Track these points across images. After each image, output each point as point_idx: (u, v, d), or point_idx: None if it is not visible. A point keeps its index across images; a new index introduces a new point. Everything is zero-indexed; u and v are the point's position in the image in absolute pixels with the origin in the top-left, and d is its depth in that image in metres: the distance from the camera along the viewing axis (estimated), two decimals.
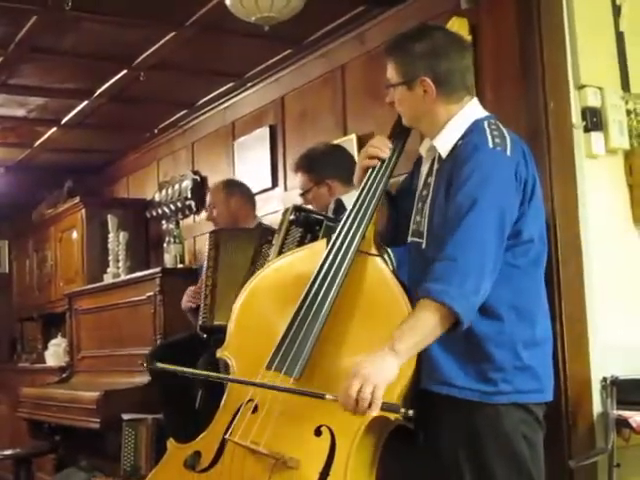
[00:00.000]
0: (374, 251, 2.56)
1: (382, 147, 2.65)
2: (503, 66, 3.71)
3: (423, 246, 2.53)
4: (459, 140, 2.51)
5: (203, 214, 6.46)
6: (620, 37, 3.68)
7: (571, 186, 3.43)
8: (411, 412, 2.23)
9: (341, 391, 2.25)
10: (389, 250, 2.67)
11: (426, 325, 2.29)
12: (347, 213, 2.60)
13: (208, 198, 4.92)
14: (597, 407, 3.36)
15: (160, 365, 2.58)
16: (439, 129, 2.55)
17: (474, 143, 2.45)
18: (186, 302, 4.50)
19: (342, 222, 2.59)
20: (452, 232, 2.35)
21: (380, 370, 2.24)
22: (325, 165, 3.94)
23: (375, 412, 2.23)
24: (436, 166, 2.57)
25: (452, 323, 2.30)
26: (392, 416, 2.29)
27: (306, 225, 3.35)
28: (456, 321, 2.29)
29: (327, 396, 2.29)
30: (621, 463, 3.24)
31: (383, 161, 2.64)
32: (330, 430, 2.36)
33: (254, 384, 2.45)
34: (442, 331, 2.30)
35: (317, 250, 2.64)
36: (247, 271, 3.99)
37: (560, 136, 3.44)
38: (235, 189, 4.81)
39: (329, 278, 2.48)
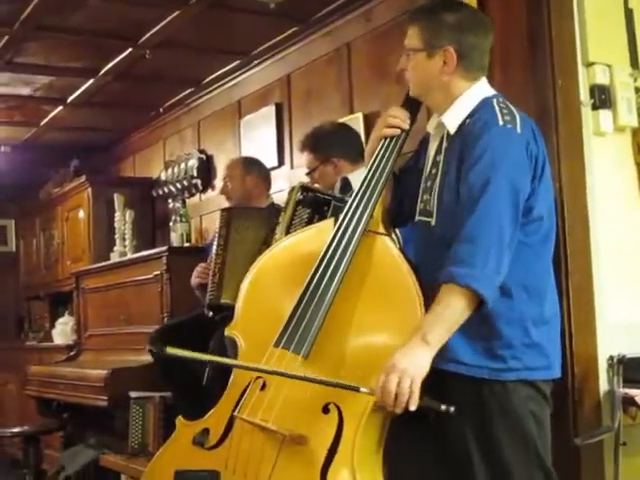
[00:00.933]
0: (382, 230, 2.56)
1: (402, 117, 2.63)
2: (511, 43, 3.69)
3: (432, 224, 2.53)
4: (467, 118, 2.50)
5: (210, 192, 6.47)
6: (629, 14, 3.66)
7: (579, 164, 3.42)
8: (452, 408, 2.25)
9: (378, 386, 2.25)
10: (395, 229, 2.67)
11: (454, 311, 2.30)
12: (355, 192, 2.59)
13: (224, 171, 4.91)
14: (603, 385, 3.36)
15: (171, 351, 2.57)
16: (448, 105, 2.54)
17: (484, 120, 2.44)
18: (195, 278, 4.50)
19: (350, 201, 2.58)
20: (468, 213, 2.35)
21: (414, 363, 2.25)
22: (331, 143, 3.93)
23: (414, 407, 2.23)
24: (445, 144, 2.56)
25: (478, 304, 2.31)
26: (428, 407, 2.30)
27: (314, 205, 3.34)
28: (480, 302, 2.30)
29: (362, 389, 2.28)
30: (627, 441, 3.25)
31: (391, 139, 2.63)
32: (338, 408, 2.37)
33: (276, 373, 2.43)
34: (469, 313, 2.31)
35: (325, 229, 2.64)
36: (258, 250, 3.99)
37: (568, 114, 3.42)
38: (253, 167, 4.82)
39: (337, 257, 2.48)
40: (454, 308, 2.30)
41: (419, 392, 2.23)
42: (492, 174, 2.35)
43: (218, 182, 6.26)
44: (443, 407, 2.25)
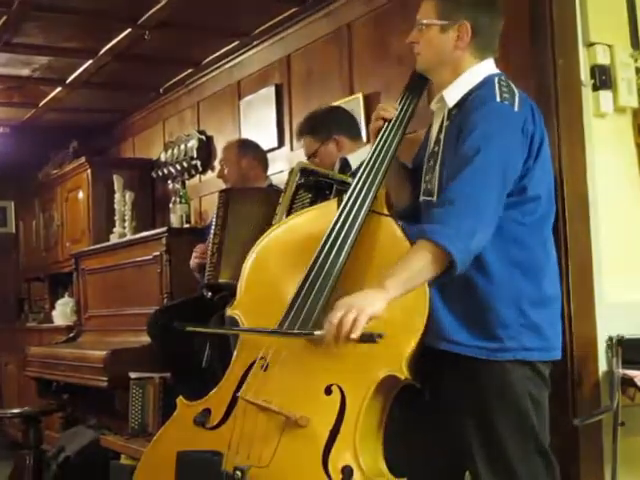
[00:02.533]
0: (386, 211, 2.56)
1: (389, 109, 2.64)
2: (512, 24, 3.65)
3: (434, 202, 2.53)
4: (468, 94, 2.51)
5: (210, 173, 6.46)
6: None
7: (579, 144, 3.42)
8: (381, 334, 2.24)
9: (327, 320, 2.26)
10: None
11: (417, 263, 2.29)
12: (359, 173, 2.59)
13: (220, 155, 4.91)
14: (602, 366, 3.37)
15: (190, 327, 2.57)
16: (452, 80, 2.55)
17: (482, 96, 2.46)
18: (194, 259, 4.50)
19: (354, 182, 2.58)
20: (454, 178, 2.36)
21: (364, 300, 2.24)
22: (328, 122, 3.93)
23: (355, 336, 2.21)
24: (446, 122, 2.56)
25: (446, 266, 2.29)
26: (402, 376, 2.30)
27: (316, 189, 3.33)
28: (450, 265, 2.28)
29: (316, 332, 2.31)
30: (626, 422, 3.26)
31: (395, 120, 2.63)
32: (340, 389, 2.38)
33: (283, 333, 2.46)
34: (435, 271, 2.29)
35: (328, 210, 2.64)
36: (257, 230, 4.00)
37: (568, 94, 3.42)
38: (248, 150, 4.81)
39: (341, 238, 2.48)
40: (418, 260, 2.29)
41: (362, 326, 2.21)
42: (483, 145, 2.35)
43: (217, 164, 6.26)
44: (375, 333, 2.23)
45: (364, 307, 2.22)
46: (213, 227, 4.29)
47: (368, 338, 2.24)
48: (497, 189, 2.36)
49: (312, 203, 3.27)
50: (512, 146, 2.40)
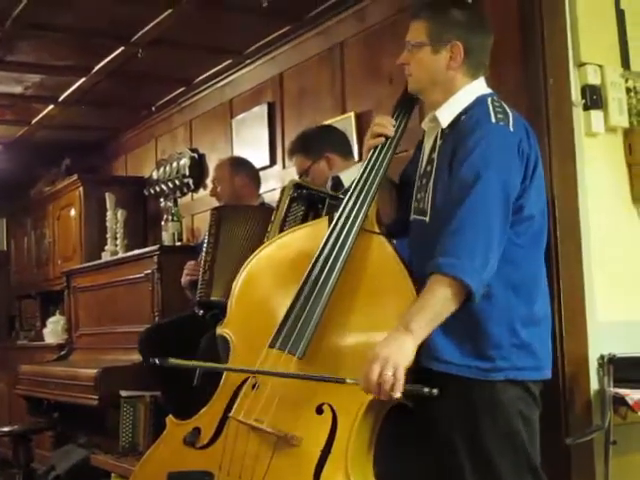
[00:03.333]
0: (377, 229, 2.57)
1: (387, 125, 2.64)
2: (503, 44, 3.68)
3: (427, 222, 2.53)
4: (461, 114, 2.51)
5: (202, 191, 6.46)
6: (621, 15, 3.66)
7: (570, 164, 3.42)
8: (435, 391, 2.21)
9: (362, 375, 2.24)
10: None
11: (439, 301, 2.29)
12: (350, 190, 2.60)
13: (212, 173, 4.90)
14: (594, 385, 3.37)
15: (173, 361, 2.56)
16: (444, 100, 2.55)
17: (477, 118, 2.45)
18: (185, 276, 4.49)
19: (345, 199, 2.58)
20: (458, 207, 2.34)
21: (398, 351, 2.23)
22: (320, 141, 3.95)
23: (399, 394, 2.22)
24: (439, 142, 2.56)
25: (465, 297, 2.29)
26: (412, 393, 2.29)
27: (308, 202, 3.34)
28: (468, 296, 2.29)
29: (348, 380, 2.28)
30: (618, 440, 3.25)
31: (386, 139, 2.63)
32: (332, 408, 2.37)
33: (270, 373, 2.44)
34: (455, 306, 2.30)
35: (319, 228, 2.64)
36: (249, 248, 4.00)
37: (559, 114, 3.43)
38: (241, 167, 4.81)
39: (333, 256, 2.48)
40: (439, 298, 2.28)
41: (403, 380, 2.21)
42: (483, 169, 2.35)
43: (209, 182, 6.25)
44: (426, 389, 2.22)
45: (399, 361, 2.21)
46: (205, 245, 4.29)
47: (415, 392, 2.24)
48: (501, 213, 2.36)
49: (304, 216, 3.28)
50: (510, 167, 2.40)
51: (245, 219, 4.26)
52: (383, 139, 2.63)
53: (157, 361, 2.55)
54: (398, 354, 2.22)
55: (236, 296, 2.70)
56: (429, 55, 2.55)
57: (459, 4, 2.60)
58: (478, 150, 2.37)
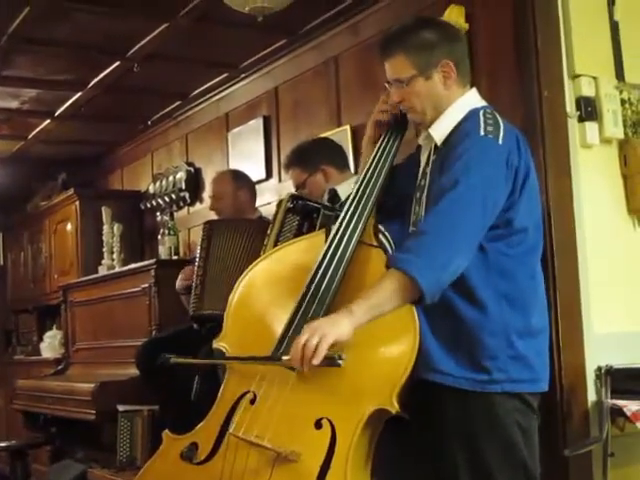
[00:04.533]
0: (375, 242, 2.57)
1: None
2: (498, 56, 3.71)
3: None
4: (454, 129, 2.52)
5: (198, 205, 6.46)
6: (615, 26, 3.68)
7: (565, 176, 3.43)
8: (343, 356, 2.24)
9: (293, 344, 2.27)
10: (386, 233, 2.67)
11: (386, 291, 2.30)
12: (347, 204, 2.60)
13: (213, 188, 4.84)
14: (592, 396, 3.37)
15: (174, 359, 2.57)
16: (438, 116, 2.55)
17: (466, 130, 2.46)
18: (180, 280, 4.49)
19: (342, 213, 2.59)
20: (430, 209, 2.38)
21: (330, 325, 2.26)
22: (315, 153, 3.95)
23: (316, 362, 2.23)
24: (433, 156, 2.58)
25: (417, 296, 2.30)
26: (393, 409, 2.29)
27: (303, 213, 3.34)
28: (420, 295, 2.29)
29: (284, 357, 2.33)
30: (615, 452, 3.25)
31: (383, 152, 2.65)
32: (330, 423, 2.36)
33: (254, 359, 2.47)
34: (403, 300, 2.31)
35: (316, 241, 2.64)
36: (242, 261, 4.00)
37: (554, 126, 3.44)
38: (243, 181, 4.80)
39: (331, 269, 2.48)
40: (386, 289, 2.30)
41: (325, 351, 2.23)
42: (462, 177, 2.36)
43: (207, 195, 6.25)
44: (336, 355, 2.26)
45: (327, 331, 2.23)
46: (197, 259, 4.29)
47: (330, 362, 2.26)
48: (474, 220, 2.36)
49: (300, 226, 3.29)
50: (493, 178, 2.40)
51: (237, 232, 4.26)
52: (387, 115, 2.66)
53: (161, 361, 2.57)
54: (328, 326, 2.25)
55: (232, 309, 2.69)
56: (424, 84, 2.54)
57: (424, 24, 2.59)
58: (461, 160, 2.39)
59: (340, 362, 2.25)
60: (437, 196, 2.39)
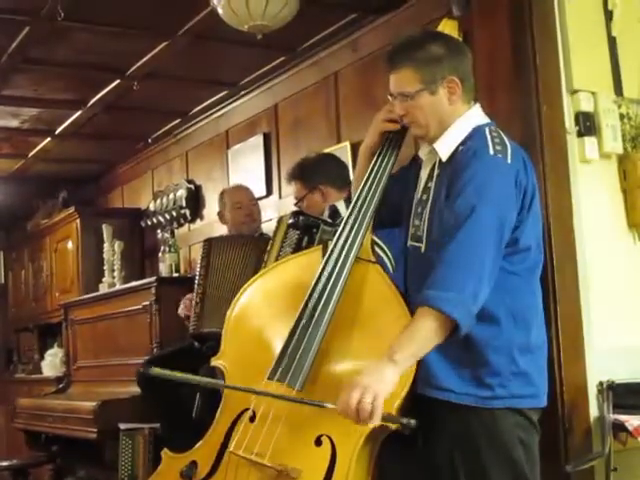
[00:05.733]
0: (372, 258, 2.56)
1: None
2: (496, 72, 3.71)
3: (422, 250, 2.54)
4: (460, 145, 2.51)
5: (199, 222, 6.47)
6: (612, 42, 3.69)
7: (565, 191, 3.43)
8: (413, 422, 2.22)
9: (341, 401, 2.23)
10: (383, 245, 2.66)
11: (424, 333, 2.29)
12: (344, 220, 2.60)
13: (249, 199, 4.80)
14: (594, 411, 3.36)
15: (159, 372, 2.56)
16: (442, 132, 2.54)
17: (474, 149, 2.45)
18: (181, 310, 4.49)
19: (340, 229, 2.59)
20: (451, 238, 2.35)
21: (379, 380, 2.22)
22: (317, 172, 3.96)
23: (376, 422, 2.21)
24: (436, 171, 2.57)
25: (452, 330, 2.29)
26: (394, 426, 2.28)
27: (304, 228, 3.36)
28: (454, 328, 2.28)
29: (327, 405, 2.28)
30: (618, 467, 3.24)
31: (379, 167, 2.64)
32: (330, 439, 2.36)
33: (260, 392, 2.43)
34: (441, 339, 2.30)
35: (313, 257, 2.64)
36: (242, 278, 4.00)
37: (553, 141, 3.44)
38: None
39: (329, 287, 2.48)
40: (425, 330, 2.29)
41: (381, 408, 2.21)
42: (477, 202, 2.34)
43: (208, 211, 6.27)
44: (404, 420, 2.23)
45: (379, 390, 2.21)
46: (197, 277, 4.29)
47: (391, 420, 2.25)
48: (494, 246, 2.36)
49: (299, 240, 3.30)
50: (507, 200, 2.40)
51: (236, 249, 4.27)
52: (398, 125, 2.64)
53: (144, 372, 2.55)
54: (379, 383, 2.22)
55: (230, 327, 2.69)
56: (429, 98, 2.52)
57: (433, 38, 2.58)
58: (474, 183, 2.37)
59: (405, 422, 2.23)
60: (454, 222, 2.36)
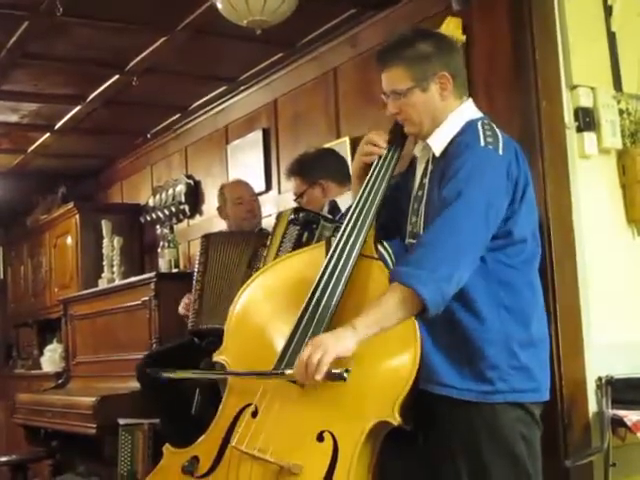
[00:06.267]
0: (375, 254, 2.56)
1: (379, 142, 2.65)
2: (495, 67, 3.72)
3: None
4: (452, 140, 2.52)
5: (198, 218, 6.47)
6: (612, 37, 3.69)
7: (564, 187, 3.44)
8: (345, 375, 2.25)
9: (297, 360, 2.28)
10: (386, 245, 2.67)
11: (389, 305, 2.31)
12: (348, 217, 2.60)
13: (251, 194, 4.78)
14: (592, 406, 3.37)
15: (171, 374, 2.57)
16: (435, 127, 2.56)
17: (466, 142, 2.46)
18: (181, 308, 4.48)
19: (343, 225, 2.59)
20: (433, 220, 2.38)
21: (334, 341, 2.27)
22: (316, 167, 3.96)
23: (319, 377, 2.24)
24: (430, 167, 2.58)
25: (420, 309, 2.31)
26: (394, 421, 2.29)
27: (304, 224, 3.36)
28: (423, 307, 2.30)
29: (287, 371, 2.33)
30: (617, 462, 3.25)
31: (382, 165, 2.64)
32: (332, 435, 2.36)
33: (256, 374, 2.46)
34: (406, 313, 2.32)
35: (316, 253, 2.65)
36: (240, 274, 4.00)
37: (553, 136, 3.44)
38: None
39: (332, 283, 2.48)
40: (389, 302, 2.31)
41: (327, 365, 2.23)
42: (464, 188, 2.36)
43: (208, 207, 6.27)
44: (338, 370, 2.26)
45: (330, 347, 2.24)
46: (195, 273, 4.29)
47: (334, 376, 2.27)
48: (478, 230, 2.36)
49: (299, 235, 3.30)
50: (495, 189, 2.41)
51: (234, 245, 4.26)
52: (374, 157, 2.64)
53: (150, 374, 2.56)
54: (332, 342, 2.26)
55: (233, 322, 2.69)
56: (420, 96, 2.54)
57: (420, 36, 2.59)
58: (462, 171, 2.39)
59: (345, 376, 2.26)
60: (439, 208, 2.39)
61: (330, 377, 2.26)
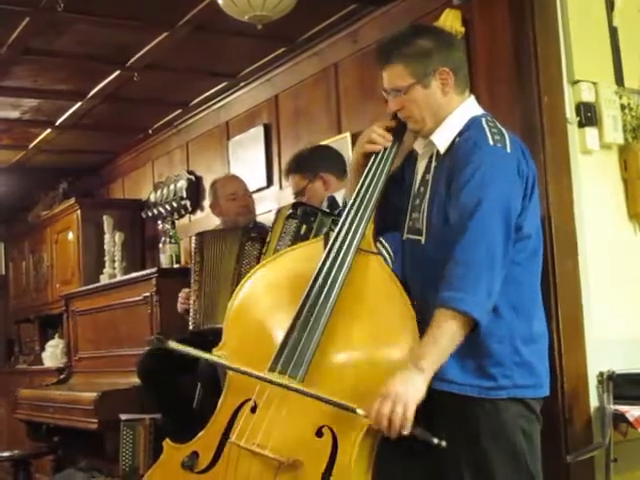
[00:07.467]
0: (374, 249, 2.56)
1: (384, 134, 2.64)
2: (496, 62, 3.71)
3: (422, 242, 2.54)
4: (457, 137, 2.51)
5: (199, 213, 6.47)
6: (614, 32, 3.69)
7: (566, 181, 3.43)
8: (444, 443, 2.26)
9: (374, 410, 2.26)
10: (384, 241, 2.66)
11: (447, 336, 2.30)
12: (346, 211, 2.59)
13: (244, 189, 4.75)
14: (594, 402, 3.37)
15: (176, 346, 2.56)
16: (438, 124, 2.55)
17: (474, 140, 2.45)
18: (179, 304, 4.48)
19: (341, 221, 2.58)
20: (460, 234, 2.35)
21: (409, 389, 2.26)
22: (315, 161, 3.95)
23: (407, 431, 2.25)
24: (434, 163, 2.57)
25: (472, 328, 2.31)
26: (420, 437, 2.30)
27: (302, 216, 3.36)
28: (474, 326, 2.31)
29: (359, 411, 2.29)
30: (618, 457, 3.25)
31: (381, 158, 2.63)
32: (332, 431, 2.36)
33: (274, 383, 2.42)
34: (462, 337, 2.32)
35: (315, 248, 2.63)
36: (235, 270, 4.00)
37: (554, 131, 3.44)
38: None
39: (331, 278, 2.47)
40: (447, 333, 2.30)
41: (412, 417, 2.24)
42: (483, 194, 2.35)
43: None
44: (435, 440, 2.26)
45: (409, 399, 2.24)
46: (192, 273, 4.27)
47: (426, 438, 2.28)
48: (504, 237, 2.36)
49: (297, 228, 3.30)
50: (510, 189, 2.41)
51: (227, 242, 4.25)
52: (379, 147, 2.63)
53: (157, 340, 2.57)
54: (409, 392, 2.25)
55: (231, 318, 2.68)
56: (422, 92, 2.53)
57: (418, 32, 2.58)
58: (477, 175, 2.37)
59: (443, 444, 2.27)
60: (461, 217, 2.37)
61: (420, 436, 2.28)
